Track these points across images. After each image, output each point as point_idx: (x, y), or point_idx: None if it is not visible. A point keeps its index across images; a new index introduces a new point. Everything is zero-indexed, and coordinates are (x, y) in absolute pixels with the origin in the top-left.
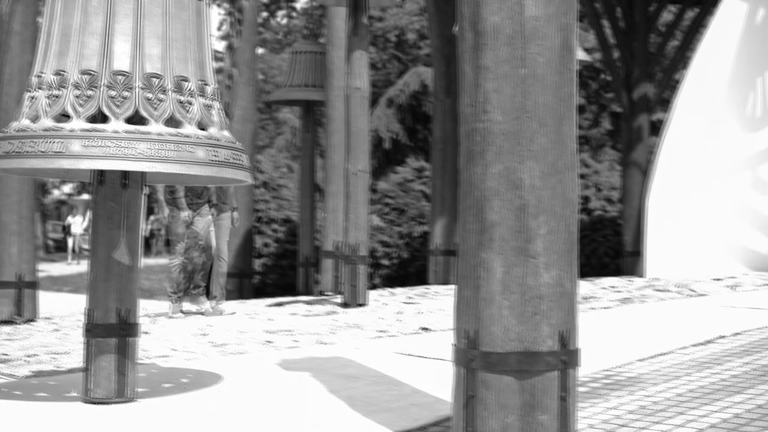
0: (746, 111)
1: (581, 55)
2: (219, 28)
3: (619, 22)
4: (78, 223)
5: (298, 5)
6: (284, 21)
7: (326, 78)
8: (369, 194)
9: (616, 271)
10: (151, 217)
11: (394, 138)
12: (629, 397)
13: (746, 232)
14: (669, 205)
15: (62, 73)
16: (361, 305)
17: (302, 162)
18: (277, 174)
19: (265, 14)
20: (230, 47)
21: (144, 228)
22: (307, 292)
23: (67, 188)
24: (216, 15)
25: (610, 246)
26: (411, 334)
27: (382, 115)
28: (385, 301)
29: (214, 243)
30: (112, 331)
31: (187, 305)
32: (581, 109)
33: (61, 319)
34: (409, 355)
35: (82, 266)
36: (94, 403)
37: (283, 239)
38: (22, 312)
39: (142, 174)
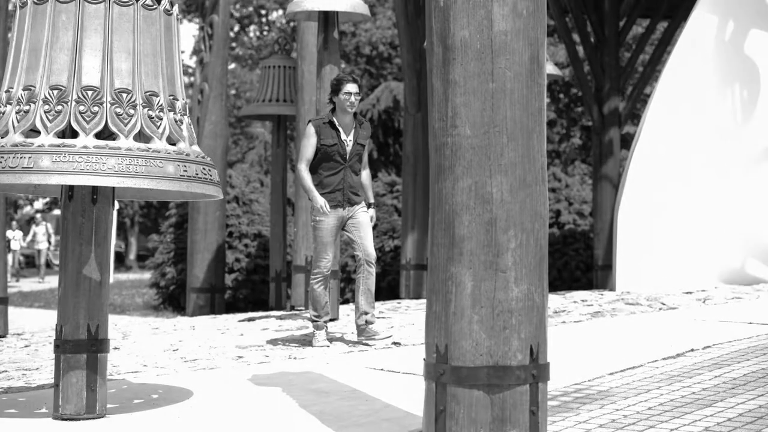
0: (716, 124)
1: (551, 69)
2: (195, 45)
3: (589, 37)
4: (18, 239)
5: (271, 19)
6: (255, 35)
7: (297, 92)
8: None
9: (588, 285)
10: None
11: None
12: (600, 410)
13: (717, 245)
14: (639, 219)
15: (31, 88)
16: (332, 320)
17: (273, 176)
18: (248, 189)
19: (237, 29)
20: (201, 62)
21: (116, 243)
22: (279, 307)
23: (39, 204)
24: (186, 30)
25: (581, 260)
26: (382, 349)
27: None
28: None
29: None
30: (81, 347)
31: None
32: (552, 123)
33: (32, 335)
34: (380, 369)
35: (21, 285)
36: (64, 419)
37: (254, 254)
38: None
39: (112, 189)
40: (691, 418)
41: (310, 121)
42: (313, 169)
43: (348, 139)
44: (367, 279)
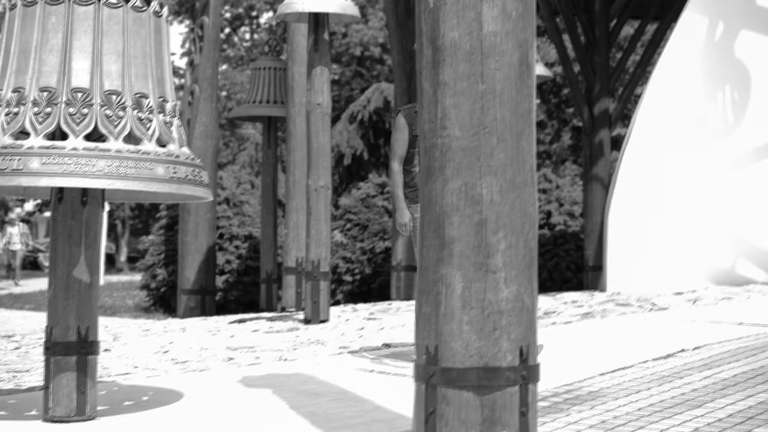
0: (707, 125)
1: (542, 70)
2: (181, 45)
3: (580, 37)
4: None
5: (262, 21)
6: (247, 36)
7: (287, 94)
8: (331, 210)
9: (579, 286)
10: None
11: (356, 154)
12: (590, 411)
13: (707, 246)
14: (630, 220)
15: (21, 90)
16: (323, 321)
17: (264, 178)
18: (239, 190)
19: (227, 30)
20: (191, 64)
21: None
22: (270, 309)
23: (29, 206)
24: (177, 31)
25: (572, 260)
26: (373, 350)
27: (343, 130)
28: (347, 317)
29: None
30: (72, 349)
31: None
32: (542, 124)
33: (22, 337)
34: (371, 371)
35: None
36: (54, 421)
37: (245, 256)
38: None
39: (102, 191)
40: (681, 418)
41: (399, 110)
42: (408, 162)
43: None
44: None
